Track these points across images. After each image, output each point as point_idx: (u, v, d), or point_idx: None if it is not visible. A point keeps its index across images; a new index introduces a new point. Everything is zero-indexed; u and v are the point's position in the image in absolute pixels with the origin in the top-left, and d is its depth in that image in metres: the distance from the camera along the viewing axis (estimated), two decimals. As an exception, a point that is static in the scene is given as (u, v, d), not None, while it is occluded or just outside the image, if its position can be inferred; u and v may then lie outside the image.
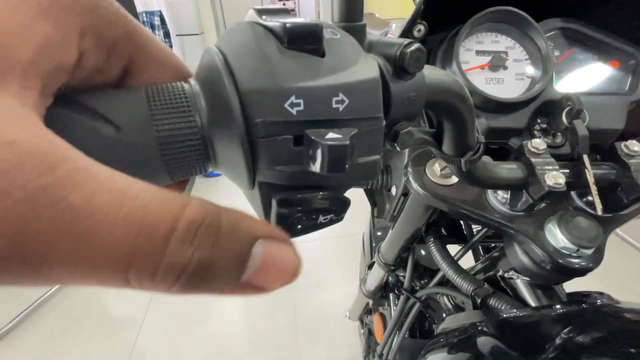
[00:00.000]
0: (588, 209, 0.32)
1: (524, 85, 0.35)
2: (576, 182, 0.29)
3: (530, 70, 0.35)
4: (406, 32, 0.33)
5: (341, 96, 0.13)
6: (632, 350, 0.25)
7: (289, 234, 0.15)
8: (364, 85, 0.13)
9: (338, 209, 0.15)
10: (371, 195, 0.56)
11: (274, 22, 0.13)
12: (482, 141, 0.25)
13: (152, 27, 2.80)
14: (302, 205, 0.14)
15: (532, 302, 0.35)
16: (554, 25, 0.36)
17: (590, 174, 0.28)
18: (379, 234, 0.86)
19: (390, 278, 0.71)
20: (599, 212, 0.27)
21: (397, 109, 0.17)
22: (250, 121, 0.12)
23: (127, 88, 0.13)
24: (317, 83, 0.12)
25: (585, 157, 0.29)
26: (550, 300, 0.34)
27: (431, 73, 0.19)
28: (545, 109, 0.34)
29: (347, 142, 0.12)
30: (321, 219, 0.15)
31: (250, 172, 0.13)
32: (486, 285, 0.38)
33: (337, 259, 1.68)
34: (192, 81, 0.14)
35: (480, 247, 0.54)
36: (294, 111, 0.12)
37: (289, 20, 0.12)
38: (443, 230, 0.52)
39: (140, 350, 1.30)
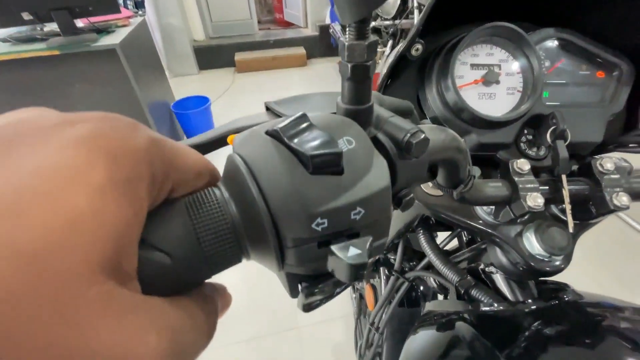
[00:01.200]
0: (562, 217, 0.36)
1: (515, 100, 0.36)
2: (554, 197, 0.33)
3: (521, 84, 0.36)
4: (405, 51, 0.34)
5: (358, 209, 0.15)
6: (590, 341, 0.31)
7: (311, 309, 0.17)
8: (377, 195, 0.15)
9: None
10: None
11: (298, 147, 0.14)
12: (473, 175, 0.27)
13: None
14: (325, 292, 0.17)
15: (508, 294, 0.40)
16: (548, 34, 0.37)
17: (566, 194, 0.31)
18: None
19: (381, 257, 0.77)
20: (570, 230, 0.31)
21: (402, 181, 0.19)
22: (281, 235, 0.14)
23: (171, 208, 0.14)
24: (338, 203, 0.14)
25: (564, 178, 0.31)
26: (523, 293, 0.39)
27: (433, 137, 0.20)
28: (533, 122, 0.36)
29: (367, 260, 0.14)
30: (338, 290, 0.18)
31: (280, 266, 0.15)
32: (469, 277, 0.43)
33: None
34: (222, 187, 0.16)
35: (465, 232, 0.58)
36: (319, 229, 0.14)
37: (312, 146, 0.14)
38: (432, 220, 0.56)
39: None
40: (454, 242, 0.57)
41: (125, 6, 2.57)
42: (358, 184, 0.15)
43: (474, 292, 0.42)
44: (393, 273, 0.63)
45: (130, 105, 1.82)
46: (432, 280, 0.62)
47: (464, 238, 0.58)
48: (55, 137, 0.10)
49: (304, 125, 0.15)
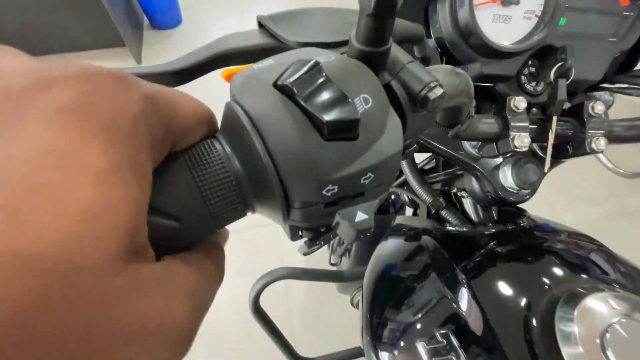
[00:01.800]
0: (539, 152, 0.37)
1: (530, 26, 0.33)
2: (539, 137, 0.33)
3: (541, 8, 0.32)
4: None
5: (369, 174, 0.14)
6: (529, 258, 0.36)
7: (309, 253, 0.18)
8: (389, 160, 0.14)
9: None
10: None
11: (314, 110, 0.12)
12: (472, 115, 0.27)
13: None
14: (325, 240, 0.17)
15: (473, 216, 0.44)
16: None
17: (552, 136, 0.32)
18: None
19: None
20: (546, 170, 0.33)
21: (409, 133, 0.18)
22: (289, 197, 0.14)
23: (172, 168, 0.13)
24: (350, 170, 0.13)
25: (554, 120, 0.32)
26: (486, 215, 0.43)
27: (447, 84, 0.19)
28: (540, 54, 0.34)
29: (373, 224, 0.14)
30: (332, 235, 0.19)
31: (285, 220, 0.16)
32: (441, 199, 0.47)
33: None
34: (222, 140, 0.14)
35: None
36: (329, 194, 0.14)
37: (330, 114, 0.12)
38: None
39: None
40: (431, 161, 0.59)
41: None
42: (371, 148, 0.14)
43: (443, 213, 0.46)
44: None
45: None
46: (404, 196, 0.67)
47: (441, 160, 0.61)
48: (32, 110, 0.09)
49: (320, 80, 0.13)
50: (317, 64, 0.13)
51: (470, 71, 0.34)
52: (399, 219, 0.54)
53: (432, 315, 0.36)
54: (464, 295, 0.35)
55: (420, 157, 0.57)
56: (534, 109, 0.36)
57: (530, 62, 0.35)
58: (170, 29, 2.01)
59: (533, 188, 0.35)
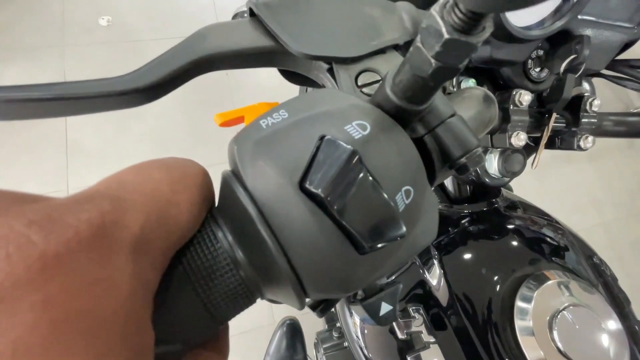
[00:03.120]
0: (528, 142, 0.37)
1: (552, 7, 0.29)
2: (532, 130, 0.33)
3: (569, -12, 0.28)
4: None
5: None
6: (496, 236, 0.39)
7: None
8: (418, 252, 0.13)
9: None
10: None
11: (352, 230, 0.10)
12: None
13: None
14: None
15: (451, 190, 0.45)
16: None
17: (546, 135, 0.31)
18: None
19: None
20: (533, 167, 0.33)
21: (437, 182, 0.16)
22: (307, 292, 0.12)
23: (173, 290, 0.11)
24: (382, 272, 0.12)
25: (553, 117, 0.31)
26: (464, 190, 0.45)
27: (478, 111, 0.17)
28: (556, 37, 0.31)
29: (396, 315, 0.13)
30: None
31: (300, 306, 0.14)
32: None
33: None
34: (222, 225, 0.12)
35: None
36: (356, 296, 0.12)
37: (372, 236, 0.10)
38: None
39: (74, 144, 1.29)
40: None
41: None
42: (408, 241, 0.12)
43: None
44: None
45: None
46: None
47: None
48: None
49: (359, 179, 0.10)
50: (354, 154, 0.10)
51: (480, 51, 0.31)
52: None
53: (404, 288, 0.39)
54: (435, 270, 0.38)
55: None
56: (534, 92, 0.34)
57: (540, 45, 0.32)
58: None
59: (515, 177, 0.36)
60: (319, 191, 0.10)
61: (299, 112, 0.12)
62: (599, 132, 0.33)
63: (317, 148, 0.11)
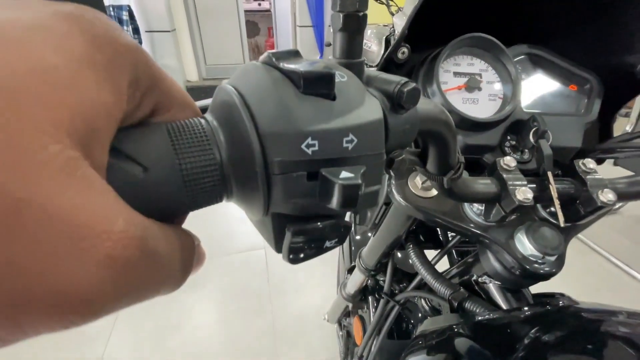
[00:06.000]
0: (551, 220, 0.35)
1: (496, 106, 0.38)
2: (541, 195, 0.33)
3: (502, 91, 0.38)
4: (391, 55, 0.35)
5: (351, 136, 0.14)
6: (589, 346, 0.29)
7: (297, 260, 0.16)
8: (370, 126, 0.15)
9: (343, 233, 0.17)
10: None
11: (290, 68, 0.14)
12: (462, 161, 0.27)
13: (120, 21, 2.68)
14: (313, 234, 0.15)
15: (503, 305, 0.38)
16: (522, 50, 0.39)
17: (553, 190, 0.31)
18: (358, 238, 0.88)
19: (370, 282, 0.73)
20: (562, 224, 0.30)
21: (394, 140, 0.18)
22: (269, 160, 0.13)
23: (151, 126, 0.13)
24: (330, 125, 0.14)
25: (550, 174, 0.32)
26: (518, 302, 0.37)
27: (423, 105, 0.20)
28: (515, 128, 0.37)
29: (359, 181, 0.13)
30: (327, 243, 0.16)
31: (266, 204, 0.14)
32: (462, 290, 0.41)
33: (314, 261, 1.69)
34: (209, 117, 0.15)
35: (454, 251, 0.57)
36: (309, 151, 0.13)
37: (304, 68, 0.13)
38: (421, 237, 0.55)
39: (109, 362, 1.24)
40: (445, 265, 0.55)
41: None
42: (351, 112, 0.14)
43: (467, 305, 0.39)
44: (382, 296, 0.60)
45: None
46: (423, 303, 0.59)
47: (454, 256, 0.57)
48: (35, 4, 0.10)
49: (296, 56, 0.15)
50: (297, 51, 0.15)
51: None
52: (419, 330, 0.46)
53: None
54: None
55: (430, 255, 0.53)
56: (528, 177, 0.36)
57: (509, 137, 0.38)
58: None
59: (557, 253, 0.32)
60: (268, 54, 0.14)
61: None
62: (617, 192, 0.32)
63: None
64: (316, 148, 0.13)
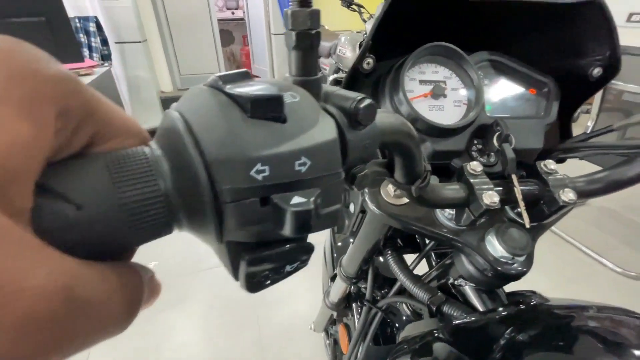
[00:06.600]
0: (520, 220, 0.36)
1: (462, 112, 0.39)
2: (508, 198, 0.34)
3: (466, 97, 0.39)
4: (357, 65, 0.36)
5: (303, 159, 0.14)
6: (561, 342, 0.30)
7: (256, 289, 0.15)
8: (323, 146, 0.14)
9: (304, 256, 0.16)
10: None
11: (237, 92, 0.13)
12: (429, 169, 0.28)
13: (87, 33, 2.59)
14: (271, 261, 0.15)
15: (479, 306, 0.39)
16: (483, 57, 0.41)
17: (518, 192, 0.32)
18: (339, 244, 0.88)
19: (353, 289, 0.73)
20: (527, 225, 0.31)
21: (354, 156, 0.18)
22: (217, 188, 0.13)
23: (87, 159, 0.12)
24: (280, 149, 0.13)
25: (514, 177, 0.33)
26: (493, 302, 0.38)
27: (382, 118, 0.20)
28: (480, 132, 0.38)
29: (312, 207, 0.13)
30: (288, 268, 0.16)
31: (218, 233, 0.14)
32: (440, 294, 0.42)
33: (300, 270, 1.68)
34: (153, 145, 0.14)
35: (433, 254, 0.58)
36: (260, 177, 0.13)
37: (252, 91, 0.13)
38: (399, 242, 0.55)
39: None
40: (425, 268, 0.56)
41: (91, 57, 2.59)
42: (303, 134, 0.14)
43: (445, 308, 0.40)
44: (365, 303, 0.60)
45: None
46: (405, 308, 0.59)
47: (433, 260, 0.57)
48: None
49: (245, 79, 0.14)
50: (247, 71, 0.15)
51: (424, 150, 0.37)
52: (401, 335, 0.46)
53: None
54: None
55: (409, 260, 0.54)
56: (495, 180, 0.37)
57: (475, 141, 0.39)
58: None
59: (526, 253, 0.33)
60: (215, 77, 0.14)
61: None
62: (579, 192, 0.33)
63: None
64: (267, 173, 0.13)
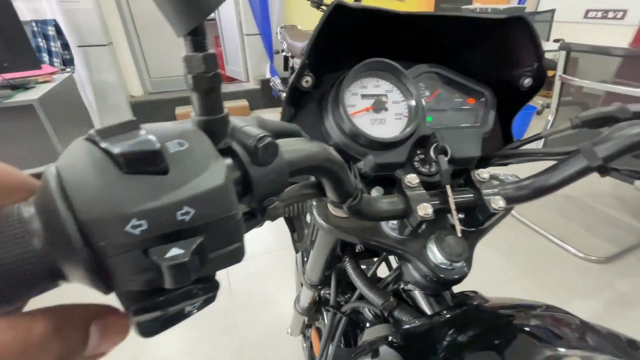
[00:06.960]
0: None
1: (402, 124, 0.40)
2: (445, 207, 0.35)
3: (407, 110, 0.40)
4: (295, 83, 0.36)
5: (186, 208, 0.14)
6: (500, 340, 0.32)
7: (152, 334, 0.15)
8: (210, 194, 0.15)
9: (206, 294, 0.16)
10: (290, 222, 0.58)
11: (111, 147, 0.13)
12: (360, 188, 0.28)
13: (46, 37, 2.47)
14: (160, 308, 0.15)
15: (427, 309, 0.40)
16: (423, 70, 0.42)
17: (451, 202, 0.34)
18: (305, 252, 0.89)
19: (321, 293, 0.74)
20: (459, 234, 0.33)
21: (260, 190, 0.19)
22: (94, 245, 0.13)
23: None
24: (158, 203, 0.13)
25: (448, 188, 0.34)
26: (439, 305, 0.40)
27: (290, 150, 0.21)
28: (421, 143, 0.40)
29: (187, 259, 0.13)
30: (188, 308, 0.16)
31: (104, 288, 0.14)
32: (392, 299, 0.43)
33: (278, 271, 1.68)
34: (30, 202, 0.14)
35: (393, 258, 0.59)
36: (137, 232, 0.13)
37: (128, 146, 0.13)
38: (358, 247, 0.57)
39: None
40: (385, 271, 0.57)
41: (51, 63, 2.46)
42: (187, 183, 0.14)
43: (396, 313, 0.41)
44: (329, 309, 0.61)
45: (51, 161, 1.69)
46: (367, 312, 0.60)
47: (395, 261, 0.59)
48: None
49: (129, 129, 0.14)
50: (134, 120, 0.15)
51: (367, 163, 0.39)
52: (362, 340, 0.47)
53: None
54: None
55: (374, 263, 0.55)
56: (435, 190, 0.39)
57: (418, 152, 0.40)
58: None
59: (462, 259, 0.34)
60: (92, 131, 0.14)
61: None
62: (507, 198, 0.35)
63: None
64: (145, 227, 0.13)
